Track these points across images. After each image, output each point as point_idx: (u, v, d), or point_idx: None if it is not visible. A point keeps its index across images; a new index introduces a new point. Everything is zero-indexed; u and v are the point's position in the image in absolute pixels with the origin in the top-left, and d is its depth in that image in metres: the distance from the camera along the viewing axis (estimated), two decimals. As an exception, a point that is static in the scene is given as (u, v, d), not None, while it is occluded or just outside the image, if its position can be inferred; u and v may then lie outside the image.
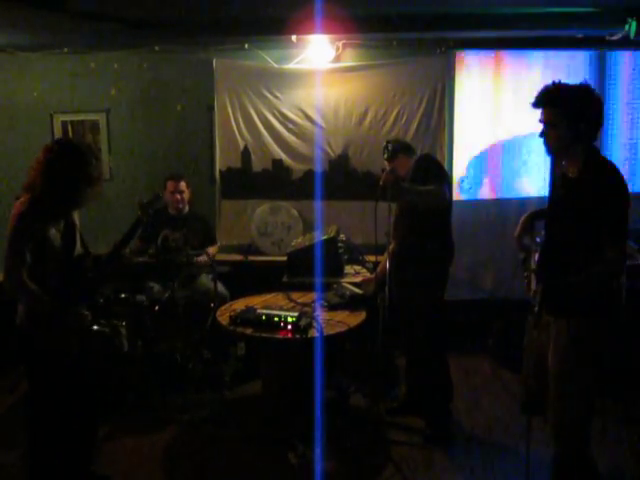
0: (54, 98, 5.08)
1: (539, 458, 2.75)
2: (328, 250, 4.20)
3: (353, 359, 4.26)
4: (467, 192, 4.87)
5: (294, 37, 4.55)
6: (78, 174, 2.56)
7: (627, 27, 4.06)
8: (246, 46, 4.81)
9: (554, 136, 2.32)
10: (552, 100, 2.30)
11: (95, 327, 3.14)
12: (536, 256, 2.48)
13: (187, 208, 4.63)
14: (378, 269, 3.80)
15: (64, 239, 2.64)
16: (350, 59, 4.92)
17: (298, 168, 5.00)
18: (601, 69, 4.73)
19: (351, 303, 3.70)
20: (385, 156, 3.47)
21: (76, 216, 2.78)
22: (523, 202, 4.85)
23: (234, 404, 4.00)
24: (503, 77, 4.76)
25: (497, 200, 4.88)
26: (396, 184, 3.25)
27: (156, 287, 4.33)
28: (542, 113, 2.34)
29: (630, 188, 2.39)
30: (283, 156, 4.99)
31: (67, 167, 2.55)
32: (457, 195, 4.77)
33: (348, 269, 4.40)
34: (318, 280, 3.94)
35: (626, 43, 4.37)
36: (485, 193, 4.89)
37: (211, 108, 4.99)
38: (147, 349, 3.99)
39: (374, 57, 4.88)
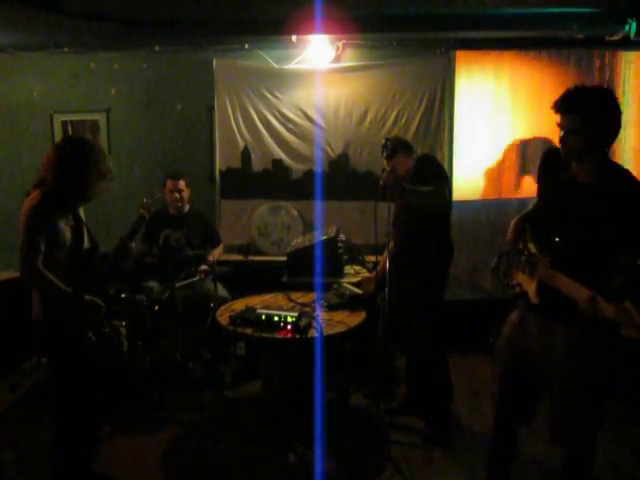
0: (54, 98, 5.08)
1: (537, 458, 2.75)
2: (328, 250, 4.20)
3: (353, 359, 4.25)
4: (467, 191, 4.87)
5: (294, 37, 4.55)
6: (87, 170, 2.65)
7: (627, 27, 4.06)
8: (246, 46, 4.81)
9: (575, 143, 2.21)
10: (576, 106, 2.19)
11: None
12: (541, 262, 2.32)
13: (187, 207, 4.63)
14: (378, 268, 3.81)
15: (74, 233, 2.71)
16: (350, 59, 4.92)
17: (298, 168, 5.00)
18: (601, 69, 4.72)
19: (351, 303, 3.70)
20: (384, 154, 3.46)
21: (81, 212, 2.86)
22: (523, 202, 4.85)
23: (234, 404, 4.01)
24: (503, 77, 4.77)
25: (497, 200, 4.88)
26: (396, 184, 3.25)
27: (156, 287, 4.33)
28: (563, 119, 2.23)
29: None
30: (283, 156, 5.00)
31: (77, 163, 2.63)
32: (457, 195, 4.78)
33: (348, 269, 4.40)
34: (318, 280, 3.94)
35: (626, 43, 4.36)
36: (485, 193, 4.89)
37: (211, 108, 5.00)
38: (147, 349, 3.99)
39: (374, 57, 4.88)
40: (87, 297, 2.65)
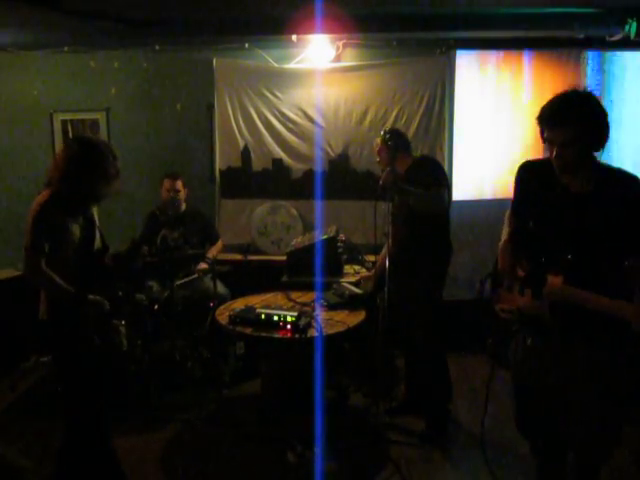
0: (54, 97, 5.08)
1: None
2: (328, 250, 4.20)
3: (352, 359, 4.26)
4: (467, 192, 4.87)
5: (294, 37, 4.55)
6: (96, 170, 2.62)
7: (627, 28, 4.06)
8: (246, 45, 4.81)
9: (573, 154, 2.08)
10: (566, 119, 2.06)
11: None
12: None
13: (184, 207, 4.63)
14: (376, 266, 3.81)
15: (83, 234, 2.68)
16: (350, 59, 4.92)
17: (298, 168, 5.00)
18: (602, 70, 4.73)
19: (350, 303, 3.70)
20: (387, 143, 3.44)
21: (95, 212, 2.84)
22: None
23: (233, 403, 4.00)
24: (503, 77, 4.77)
25: (497, 200, 4.88)
26: (395, 184, 3.25)
27: (155, 286, 4.33)
28: (555, 133, 2.08)
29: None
30: (283, 156, 4.99)
31: (85, 163, 2.60)
32: (457, 195, 4.78)
33: (348, 269, 4.40)
34: (318, 280, 3.94)
35: (626, 44, 4.36)
36: (485, 193, 4.88)
37: (211, 107, 5.00)
38: (146, 348, 3.99)
39: (374, 57, 4.88)
40: (91, 297, 2.64)
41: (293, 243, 4.52)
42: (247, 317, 3.40)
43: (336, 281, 4.04)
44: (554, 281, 2.13)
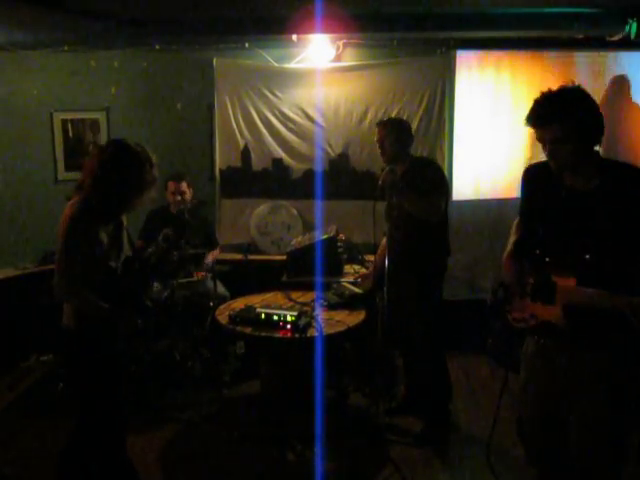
0: (54, 96, 5.07)
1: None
2: (328, 249, 4.20)
3: (352, 358, 4.26)
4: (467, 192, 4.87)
5: (294, 36, 4.54)
6: (130, 178, 2.46)
7: (627, 28, 4.06)
8: (246, 45, 4.81)
9: (565, 152, 2.04)
10: (555, 114, 2.04)
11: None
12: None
13: (188, 207, 4.62)
14: (374, 264, 3.82)
15: (112, 242, 2.54)
16: (350, 59, 4.92)
17: (298, 167, 5.00)
18: (601, 70, 4.73)
19: (350, 302, 3.70)
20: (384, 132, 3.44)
21: (124, 217, 2.70)
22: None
23: (233, 403, 4.01)
24: (503, 77, 4.77)
25: (497, 200, 4.88)
26: (394, 184, 3.25)
27: (156, 286, 4.32)
28: (544, 131, 2.06)
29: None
30: (283, 155, 4.99)
31: (120, 168, 2.44)
32: (457, 195, 4.79)
33: (347, 268, 4.40)
34: (318, 279, 3.94)
35: (627, 44, 4.36)
36: (485, 193, 4.88)
37: (211, 107, 4.99)
38: (146, 348, 3.99)
39: (374, 57, 4.88)
40: (123, 313, 2.50)
41: (293, 243, 4.52)
42: (247, 317, 3.40)
43: (336, 281, 4.04)
44: (567, 284, 2.06)
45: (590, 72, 4.70)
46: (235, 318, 3.42)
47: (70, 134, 5.11)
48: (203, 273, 4.35)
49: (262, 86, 4.91)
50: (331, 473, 3.19)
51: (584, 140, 2.05)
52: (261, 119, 4.95)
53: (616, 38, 4.33)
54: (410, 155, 3.51)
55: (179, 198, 4.48)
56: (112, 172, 2.42)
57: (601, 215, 2.04)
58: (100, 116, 5.12)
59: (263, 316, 3.35)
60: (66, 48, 4.84)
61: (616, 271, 2.00)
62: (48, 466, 3.29)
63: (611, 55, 4.71)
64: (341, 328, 3.37)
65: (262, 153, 5.01)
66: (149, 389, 3.89)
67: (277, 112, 4.94)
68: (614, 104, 4.79)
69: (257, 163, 5.03)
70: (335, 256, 4.27)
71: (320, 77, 4.80)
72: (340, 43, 4.83)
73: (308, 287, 3.96)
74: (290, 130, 4.96)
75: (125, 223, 2.69)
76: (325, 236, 4.29)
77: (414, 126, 4.77)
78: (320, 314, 3.52)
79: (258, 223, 5.05)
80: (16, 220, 5.06)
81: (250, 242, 5.02)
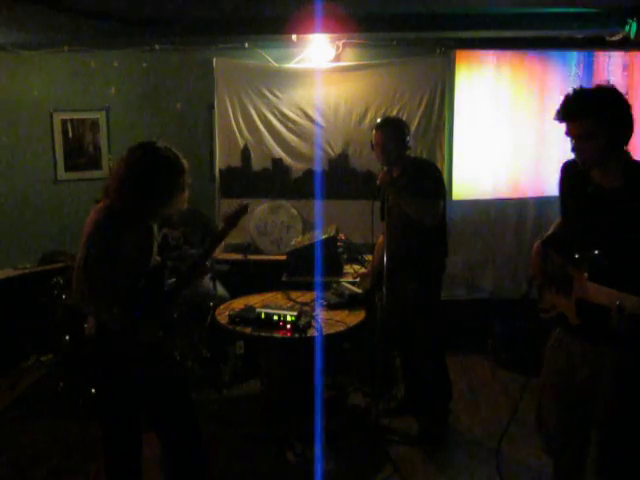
0: (54, 96, 5.07)
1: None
2: (327, 249, 4.20)
3: (352, 358, 4.26)
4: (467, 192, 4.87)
5: (294, 36, 4.54)
6: (157, 183, 2.34)
7: (627, 28, 4.06)
8: (246, 45, 4.81)
9: (591, 148, 2.07)
10: (583, 110, 2.06)
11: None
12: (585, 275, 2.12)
13: (186, 206, 4.61)
14: (371, 263, 3.82)
15: (140, 249, 2.42)
16: (350, 58, 4.91)
17: (298, 167, 5.00)
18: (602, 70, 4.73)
19: (350, 302, 3.70)
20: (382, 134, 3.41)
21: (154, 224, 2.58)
22: (523, 202, 4.87)
23: (233, 403, 4.00)
24: (503, 77, 4.76)
25: (497, 200, 4.89)
26: (392, 185, 3.24)
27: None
28: (572, 126, 2.09)
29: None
30: (283, 155, 4.99)
31: (147, 174, 2.32)
32: (457, 195, 4.79)
33: (347, 268, 4.40)
34: (317, 279, 3.94)
35: (626, 44, 4.36)
36: (484, 193, 4.89)
37: (211, 107, 4.99)
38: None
39: (374, 57, 4.88)
40: (144, 324, 2.35)
41: (293, 243, 4.52)
42: (247, 316, 3.40)
43: (336, 281, 4.04)
44: (580, 278, 2.10)
45: (590, 72, 4.70)
46: (235, 318, 3.41)
47: (70, 134, 5.11)
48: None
49: (262, 86, 4.90)
50: (331, 473, 3.19)
51: (612, 138, 2.06)
52: (261, 119, 4.95)
53: (616, 38, 4.33)
54: (407, 155, 3.49)
55: None
56: (139, 176, 2.30)
57: (620, 213, 2.07)
58: (100, 116, 5.12)
59: (263, 316, 3.35)
60: (66, 48, 4.85)
61: (625, 270, 2.01)
62: (48, 466, 3.31)
63: (611, 55, 4.70)
64: (341, 328, 3.37)
65: (262, 153, 5.01)
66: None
67: (277, 112, 4.94)
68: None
69: (257, 163, 5.02)
70: (335, 256, 4.27)
71: (320, 77, 4.79)
72: (340, 43, 4.83)
73: (308, 287, 3.96)
74: (290, 130, 4.96)
75: (156, 232, 2.59)
76: (325, 236, 4.29)
77: (414, 126, 4.79)
78: (320, 314, 3.52)
79: (258, 223, 5.04)
80: (16, 220, 5.06)
81: (250, 242, 5.02)
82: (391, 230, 3.34)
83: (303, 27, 4.20)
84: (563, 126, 2.16)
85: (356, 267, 4.42)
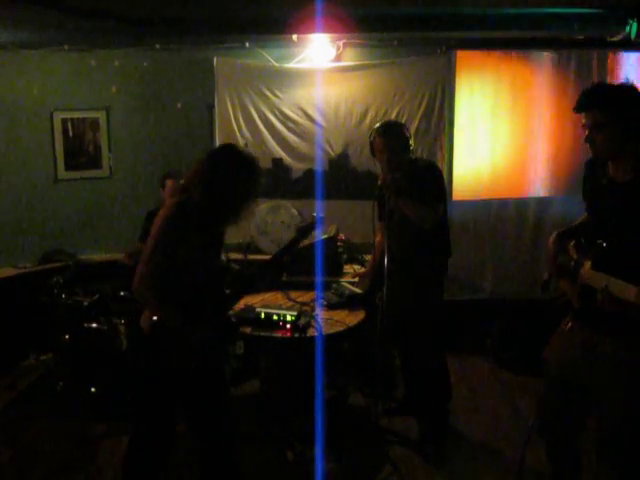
0: (54, 96, 5.07)
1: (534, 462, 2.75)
2: (328, 249, 4.20)
3: (352, 358, 4.25)
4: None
5: (295, 36, 4.54)
6: (239, 185, 2.35)
7: (628, 28, 4.06)
8: (247, 45, 4.81)
9: (603, 139, 2.14)
10: (599, 101, 2.15)
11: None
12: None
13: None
14: (370, 263, 3.85)
15: (205, 251, 2.43)
16: (351, 59, 4.91)
17: (298, 167, 5.00)
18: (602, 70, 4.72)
19: (350, 302, 3.70)
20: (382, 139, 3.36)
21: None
22: (523, 202, 4.87)
23: (233, 403, 3.99)
24: (503, 77, 4.76)
25: (497, 200, 4.88)
26: (393, 186, 3.24)
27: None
28: (586, 117, 2.18)
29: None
30: (283, 155, 4.99)
31: (233, 175, 2.34)
32: (457, 195, 4.79)
33: (347, 269, 4.40)
34: (317, 279, 3.94)
35: (627, 44, 4.36)
36: (485, 193, 4.89)
37: (211, 106, 4.99)
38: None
39: (375, 57, 4.88)
40: (199, 325, 2.33)
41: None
42: (246, 316, 3.40)
43: (336, 281, 4.04)
44: (585, 265, 2.17)
45: (590, 72, 4.69)
46: (234, 318, 3.41)
47: (70, 134, 5.11)
48: None
49: (262, 86, 4.90)
50: (331, 473, 3.19)
51: (623, 131, 2.12)
52: (261, 119, 4.95)
53: (616, 38, 4.33)
54: (409, 157, 3.48)
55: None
56: (220, 176, 2.33)
57: (626, 206, 2.13)
58: (100, 116, 5.12)
59: (263, 316, 3.35)
60: (66, 48, 4.84)
61: (628, 261, 2.06)
62: (48, 466, 3.31)
63: (611, 55, 4.70)
64: (341, 328, 3.37)
65: (262, 153, 5.00)
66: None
67: (277, 112, 4.94)
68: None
69: (257, 163, 5.02)
70: (335, 256, 4.27)
71: (320, 77, 4.79)
72: (340, 43, 4.83)
73: (308, 287, 3.95)
74: (290, 130, 4.96)
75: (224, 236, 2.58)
76: (325, 236, 4.28)
77: (414, 126, 4.79)
78: (320, 314, 3.52)
79: (258, 223, 5.04)
80: (16, 220, 5.06)
81: (250, 241, 5.02)
82: (392, 230, 3.33)
83: (304, 27, 4.20)
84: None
85: (356, 267, 4.42)
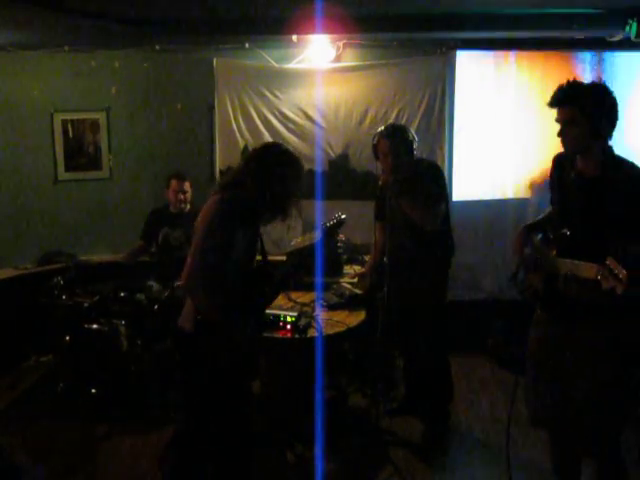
0: (54, 96, 5.07)
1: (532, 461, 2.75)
2: (328, 241, 4.16)
3: (352, 359, 4.25)
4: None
5: (295, 37, 4.54)
6: (285, 181, 2.42)
7: (628, 29, 4.06)
8: (247, 45, 4.81)
9: (573, 134, 2.27)
10: (570, 98, 2.28)
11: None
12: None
13: (188, 207, 4.62)
14: (369, 263, 3.85)
15: (246, 249, 2.44)
16: (350, 59, 4.91)
17: (298, 167, 4.99)
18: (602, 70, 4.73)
19: (350, 303, 3.70)
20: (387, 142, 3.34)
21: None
22: (523, 202, 4.87)
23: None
24: (503, 77, 4.77)
25: (497, 200, 4.89)
26: (395, 187, 3.24)
27: (155, 286, 4.32)
28: (559, 112, 2.32)
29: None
30: (283, 155, 4.99)
31: (284, 174, 2.42)
32: (457, 195, 4.79)
33: (347, 268, 4.40)
34: (318, 279, 3.94)
35: (627, 44, 4.36)
36: (485, 193, 4.89)
37: (211, 107, 4.99)
38: (146, 348, 3.99)
39: (374, 57, 4.88)
40: (240, 323, 2.37)
41: (293, 243, 4.51)
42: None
43: (336, 281, 4.04)
44: (547, 254, 2.33)
45: (590, 72, 4.70)
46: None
47: (70, 134, 5.10)
48: None
49: (262, 86, 4.90)
50: (331, 473, 3.19)
51: (592, 128, 2.24)
52: (261, 119, 4.95)
53: (616, 38, 4.33)
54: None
55: (181, 197, 4.48)
56: (269, 171, 2.40)
57: (591, 200, 2.27)
58: (100, 117, 5.12)
59: (263, 316, 3.35)
60: (66, 48, 4.85)
61: (591, 251, 2.15)
62: (48, 466, 3.31)
63: (611, 56, 4.70)
64: (341, 328, 3.37)
65: (262, 153, 5.00)
66: (149, 389, 3.89)
67: (277, 112, 4.94)
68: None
69: (257, 163, 5.02)
70: (335, 256, 4.26)
71: (320, 77, 4.79)
72: (340, 43, 4.83)
73: (308, 287, 3.95)
74: (290, 130, 4.95)
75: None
76: (328, 224, 4.24)
77: (414, 126, 4.79)
78: (320, 314, 3.52)
79: (258, 223, 5.04)
80: (16, 220, 5.06)
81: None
82: (393, 230, 3.34)
83: (303, 27, 4.20)
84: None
85: (356, 267, 4.42)
